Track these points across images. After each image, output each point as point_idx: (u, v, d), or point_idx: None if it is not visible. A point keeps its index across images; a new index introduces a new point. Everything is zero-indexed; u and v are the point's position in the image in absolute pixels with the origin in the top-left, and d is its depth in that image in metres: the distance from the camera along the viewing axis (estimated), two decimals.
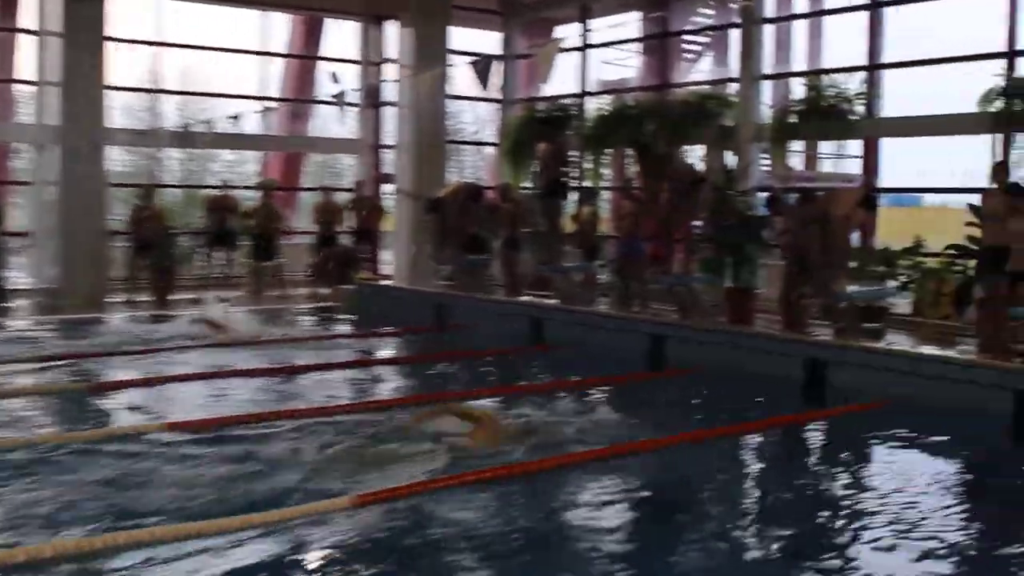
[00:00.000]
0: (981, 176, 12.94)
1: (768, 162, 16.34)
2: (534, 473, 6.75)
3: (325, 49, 22.44)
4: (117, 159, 22.37)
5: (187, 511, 5.84)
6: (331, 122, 22.52)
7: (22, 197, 20.31)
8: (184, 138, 16.43)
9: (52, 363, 10.78)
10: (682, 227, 12.36)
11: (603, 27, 20.16)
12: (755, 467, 7.71)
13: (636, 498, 6.61)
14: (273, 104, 20.97)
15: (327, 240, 18.69)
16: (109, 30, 17.16)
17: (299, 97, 21.61)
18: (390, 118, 20.99)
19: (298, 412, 8.40)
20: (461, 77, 19.25)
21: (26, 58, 18.69)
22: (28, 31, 18.47)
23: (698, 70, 20.20)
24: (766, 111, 16.35)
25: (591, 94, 19.81)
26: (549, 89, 20.09)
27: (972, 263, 12.07)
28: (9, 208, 19.79)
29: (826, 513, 6.35)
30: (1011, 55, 13.64)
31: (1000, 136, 12.96)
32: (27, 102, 19.21)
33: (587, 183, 18.04)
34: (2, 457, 6.91)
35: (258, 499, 6.07)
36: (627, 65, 20.99)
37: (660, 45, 18.96)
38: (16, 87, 19.68)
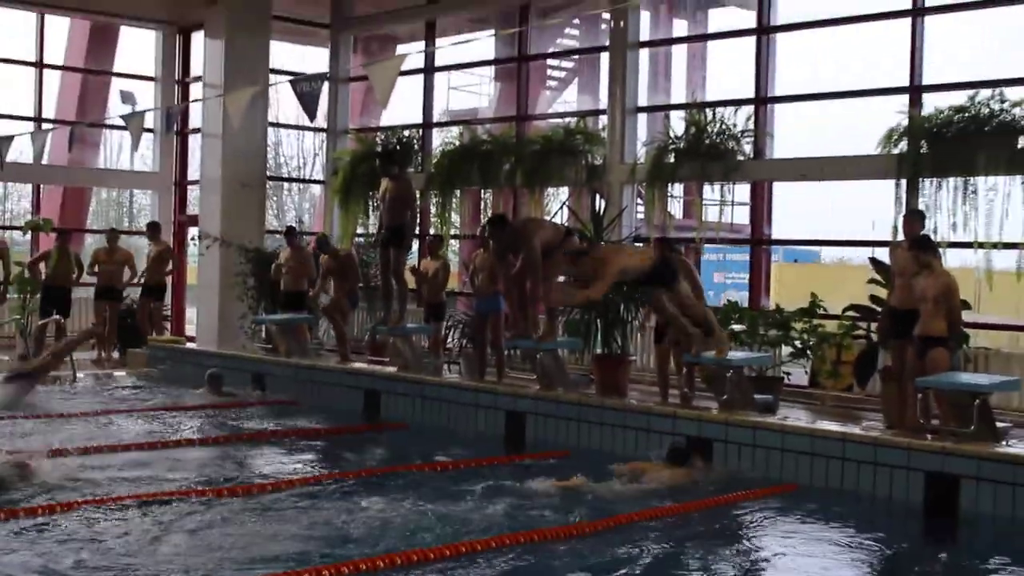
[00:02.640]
0: (886, 227, 13.37)
1: (643, 208, 16.55)
2: None
3: (118, 63, 22.13)
4: None
5: None
6: (124, 151, 22.14)
7: None
8: None
9: None
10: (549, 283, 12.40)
11: (452, 47, 20.31)
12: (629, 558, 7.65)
13: None
14: (50, 127, 20.43)
15: (109, 293, 18.18)
16: None
17: (83, 119, 21.13)
18: (197, 148, 20.68)
19: None
20: (285, 101, 19.14)
21: None
22: None
23: (563, 100, 20.52)
24: (641, 149, 16.59)
25: (437, 125, 19.87)
26: (387, 118, 20.10)
27: (875, 326, 12.38)
28: None
29: None
30: (916, 90, 14.15)
31: (904, 182, 13.42)
32: None
33: (433, 229, 18.05)
34: None
35: None
36: (480, 92, 21.20)
37: (518, 70, 19.11)
38: None
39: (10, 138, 15.14)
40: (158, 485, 8.99)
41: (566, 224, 14.46)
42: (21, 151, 16.72)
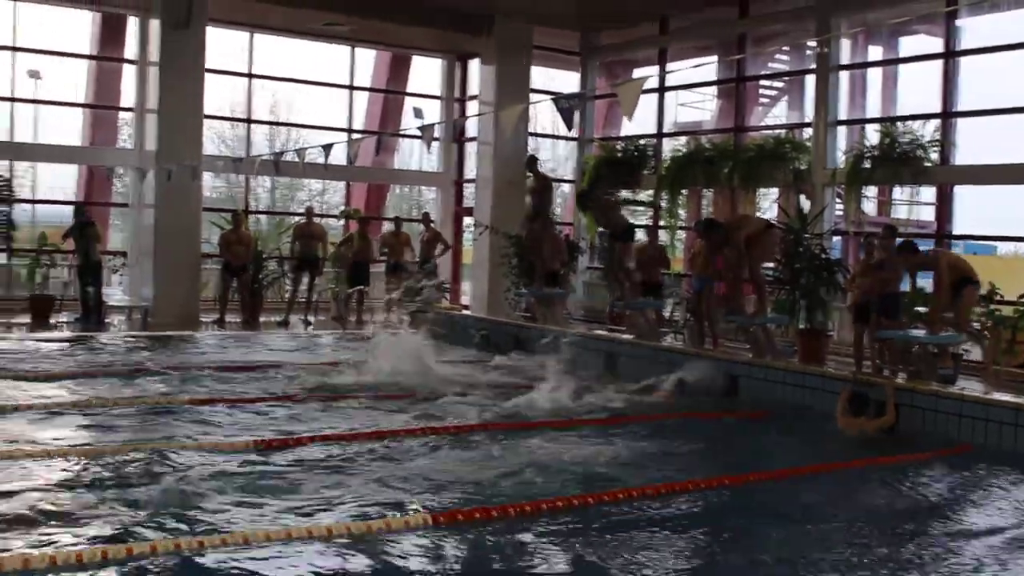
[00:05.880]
0: None
1: (841, 206, 16.20)
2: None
3: (411, 85, 22.76)
4: (210, 185, 22.82)
5: (258, 522, 5.94)
6: (415, 156, 22.79)
7: (121, 219, 20.78)
8: (278, 167, 16.70)
9: (143, 376, 11.01)
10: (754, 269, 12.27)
11: (680, 69, 20.18)
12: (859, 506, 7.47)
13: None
14: (359, 136, 21.21)
15: (396, 270, 18.82)
16: (205, 61, 17.53)
17: (384, 130, 21.88)
18: (472, 153, 21.19)
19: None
20: (541, 115, 19.42)
21: (128, 87, 19.19)
22: (130, 61, 18.95)
23: (773, 114, 20.14)
24: (840, 156, 16.23)
25: (667, 135, 19.81)
26: (626, 129, 20.12)
27: None
28: (109, 229, 20.34)
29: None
30: None
31: None
32: (129, 129, 19.67)
33: (663, 222, 18.06)
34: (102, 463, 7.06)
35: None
36: (703, 108, 20.99)
37: (736, 89, 18.91)
38: (121, 114, 20.18)
39: (330, 146, 15.77)
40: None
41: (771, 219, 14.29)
42: (336, 156, 17.49)
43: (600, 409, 10.19)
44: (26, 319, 16.37)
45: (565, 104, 12.33)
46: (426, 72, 22.91)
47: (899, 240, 12.03)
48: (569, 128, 13.27)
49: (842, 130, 16.80)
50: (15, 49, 18.42)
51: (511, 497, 6.71)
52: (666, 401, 10.77)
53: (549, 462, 7.65)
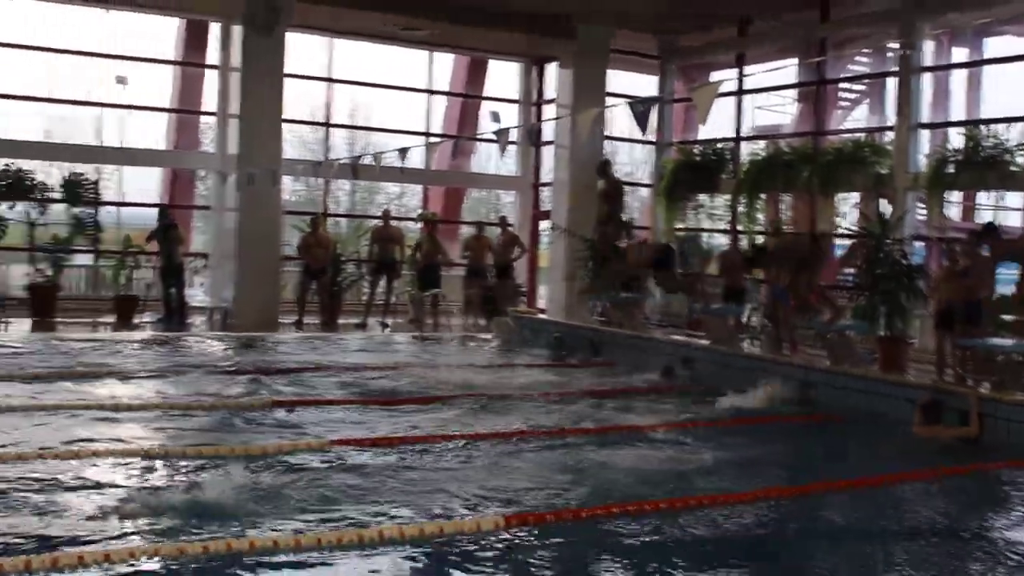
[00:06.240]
0: None
1: (924, 211, 15.98)
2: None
3: (488, 88, 22.89)
4: (290, 189, 23.18)
5: (335, 521, 6.08)
6: (492, 159, 22.90)
7: (203, 221, 21.21)
8: (355, 170, 16.94)
9: (229, 377, 11.28)
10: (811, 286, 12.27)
11: (759, 73, 20.06)
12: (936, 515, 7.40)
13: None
14: (437, 140, 21.41)
15: (476, 273, 18.97)
16: (286, 66, 17.83)
17: (462, 134, 22.05)
18: (549, 157, 21.26)
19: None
20: (618, 119, 19.41)
21: (211, 91, 19.59)
22: (212, 66, 19.35)
23: (854, 117, 19.93)
24: (923, 160, 16.00)
25: (745, 139, 19.69)
26: (704, 133, 20.06)
27: None
28: (192, 231, 20.80)
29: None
30: None
31: None
32: (212, 133, 20.05)
33: (741, 227, 17.96)
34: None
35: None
36: (782, 111, 20.83)
37: (816, 92, 18.73)
38: (204, 118, 20.60)
39: (405, 149, 15.99)
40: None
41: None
42: (412, 159, 17.68)
43: (670, 414, 10.21)
44: (111, 319, 16.81)
45: (640, 108, 12.33)
46: (504, 76, 23.04)
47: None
48: (643, 132, 13.24)
49: (925, 134, 16.53)
50: (103, 56, 18.88)
51: (583, 501, 6.77)
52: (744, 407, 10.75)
53: (621, 466, 7.69)
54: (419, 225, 20.04)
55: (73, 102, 19.22)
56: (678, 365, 12.73)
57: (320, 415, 9.53)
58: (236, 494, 6.48)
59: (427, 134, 21.55)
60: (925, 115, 16.50)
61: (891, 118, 16.95)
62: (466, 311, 18.85)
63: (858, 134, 17.51)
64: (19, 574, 4.98)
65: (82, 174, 17.82)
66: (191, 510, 6.14)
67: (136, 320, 16.84)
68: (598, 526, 6.32)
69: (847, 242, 15.85)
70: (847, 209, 17.59)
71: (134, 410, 9.31)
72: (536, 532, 6.08)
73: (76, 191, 17.36)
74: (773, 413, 10.55)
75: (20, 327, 15.48)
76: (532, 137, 20.44)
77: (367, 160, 16.69)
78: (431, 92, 22.02)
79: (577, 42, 19.39)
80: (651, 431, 9.25)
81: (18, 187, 16.84)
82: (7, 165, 17.08)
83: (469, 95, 22.66)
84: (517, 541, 5.96)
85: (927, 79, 16.59)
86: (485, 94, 22.87)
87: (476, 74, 22.78)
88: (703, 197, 19.64)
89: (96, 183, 18.05)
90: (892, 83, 17.12)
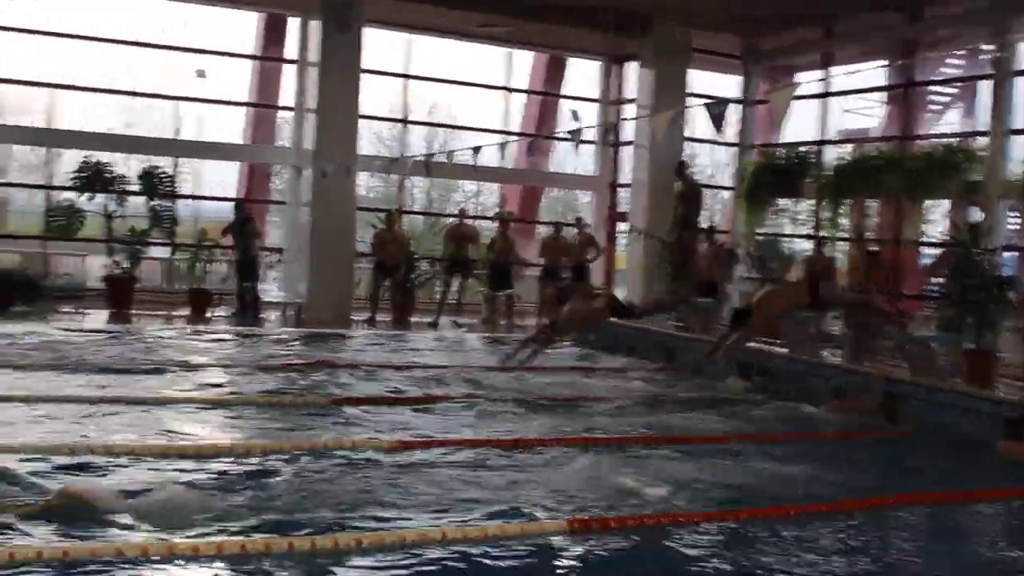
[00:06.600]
0: None
1: (1018, 221, 15.50)
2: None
3: (567, 87, 22.75)
4: (366, 185, 23.28)
5: (394, 522, 6.00)
6: (570, 158, 22.77)
7: (279, 216, 21.37)
8: (429, 168, 16.93)
9: (295, 372, 11.29)
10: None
11: (846, 74, 19.64)
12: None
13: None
14: (514, 138, 21.31)
15: (552, 274, 18.78)
16: (363, 61, 17.86)
17: (540, 133, 21.93)
18: (628, 157, 21.05)
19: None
20: (700, 120, 19.13)
21: (288, 86, 19.73)
22: (291, 61, 19.47)
23: (944, 122, 19.42)
24: (1017, 167, 15.52)
25: (830, 142, 19.30)
26: (788, 135, 19.71)
27: None
28: (267, 226, 20.96)
29: None
30: None
31: None
32: (288, 127, 20.21)
33: (824, 233, 17.60)
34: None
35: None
36: (869, 114, 20.39)
37: (905, 95, 18.30)
38: (280, 113, 20.76)
39: (479, 147, 15.95)
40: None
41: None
42: (488, 158, 17.64)
43: (746, 423, 9.99)
44: (185, 312, 16.98)
45: (716, 109, 12.14)
46: (583, 74, 22.89)
47: None
48: (718, 132, 13.01)
49: (1020, 139, 16.05)
50: (184, 49, 19.11)
51: (654, 507, 6.63)
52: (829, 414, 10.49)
53: (698, 475, 7.52)
54: (495, 224, 19.96)
55: (153, 95, 19.51)
56: (754, 372, 12.48)
57: (389, 414, 9.47)
58: (297, 491, 6.46)
59: (505, 132, 21.47)
60: (1020, 120, 16.00)
61: (984, 123, 16.48)
62: (540, 312, 18.71)
63: (949, 139, 17.03)
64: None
65: (159, 167, 18.03)
66: (255, 507, 6.11)
67: (209, 314, 16.99)
68: (662, 534, 6.17)
69: (935, 251, 15.48)
70: (936, 217, 17.11)
71: (202, 404, 9.33)
72: (599, 538, 5.96)
73: (153, 184, 17.54)
74: (862, 426, 10.27)
75: (97, 318, 15.71)
76: (609, 136, 20.26)
77: (440, 158, 16.67)
78: (509, 90, 21.95)
79: (656, 41, 19.16)
80: (734, 441, 9.07)
81: (97, 179, 17.08)
82: (86, 158, 17.36)
83: (548, 93, 22.53)
84: (581, 546, 5.84)
85: (1021, 83, 16.09)
86: (564, 93, 22.73)
87: (555, 72, 22.66)
88: (785, 201, 19.31)
89: (173, 176, 18.25)
90: (986, 86, 16.64)
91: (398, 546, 5.54)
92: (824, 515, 6.77)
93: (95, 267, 18.24)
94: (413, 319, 17.80)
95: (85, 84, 18.68)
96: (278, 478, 6.83)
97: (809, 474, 7.95)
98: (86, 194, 17.15)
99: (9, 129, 18.74)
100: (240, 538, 5.48)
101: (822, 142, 19.25)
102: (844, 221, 17.84)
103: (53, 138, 18.87)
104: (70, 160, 18.13)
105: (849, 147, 18.79)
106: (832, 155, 18.73)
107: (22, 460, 6.71)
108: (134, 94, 19.24)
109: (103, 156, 17.59)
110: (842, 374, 11.62)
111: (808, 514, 6.76)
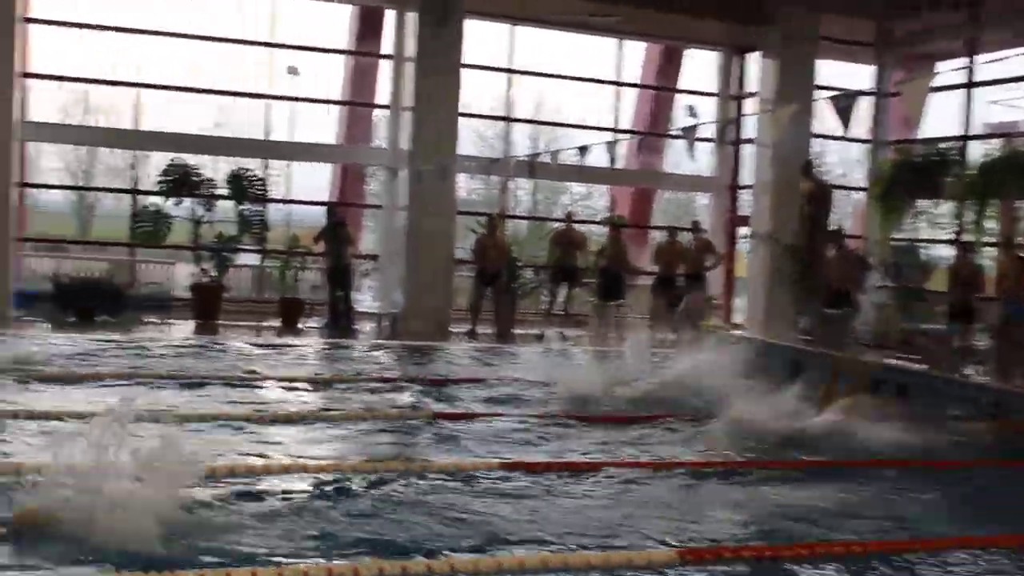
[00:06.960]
0: None
1: None
2: None
3: (682, 80, 22.58)
4: (467, 187, 23.41)
5: (491, 546, 6.08)
6: (686, 158, 22.60)
7: (374, 220, 21.61)
8: (532, 169, 16.95)
9: (391, 387, 11.40)
10: None
11: (992, 62, 19.16)
12: None
13: None
14: (625, 136, 21.22)
15: (666, 283, 18.61)
16: (463, 56, 17.98)
17: (653, 130, 21.81)
18: (749, 156, 20.82)
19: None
20: (829, 114, 18.84)
21: (384, 83, 19.93)
22: (386, 56, 19.66)
23: None
24: None
25: (975, 137, 18.85)
26: (928, 130, 19.31)
27: None
28: (362, 231, 21.20)
29: None
30: None
31: None
32: (384, 127, 20.39)
33: (969, 237, 17.18)
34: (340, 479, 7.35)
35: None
36: (1019, 106, 19.86)
37: None
38: (376, 111, 20.97)
39: (586, 147, 15.93)
40: None
41: None
42: (596, 158, 17.56)
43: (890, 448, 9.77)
44: (275, 323, 17.23)
45: (844, 102, 11.95)
46: (701, 66, 22.71)
47: None
48: (845, 128, 12.76)
49: None
50: (274, 45, 19.44)
51: (768, 537, 6.56)
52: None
53: (818, 503, 7.41)
54: (605, 229, 19.88)
55: (242, 94, 19.72)
56: (891, 390, 12.21)
57: (488, 431, 9.50)
58: (389, 513, 6.56)
59: (615, 130, 21.39)
60: None
61: None
62: (652, 324, 18.57)
63: None
64: None
65: (249, 169, 18.35)
66: (346, 528, 6.23)
67: (301, 325, 17.22)
68: (778, 566, 6.11)
69: None
70: None
71: (292, 421, 9.49)
72: (712, 569, 5.91)
73: (242, 187, 17.83)
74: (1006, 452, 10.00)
75: (183, 329, 16.05)
76: (726, 134, 20.06)
77: (544, 158, 16.69)
78: (620, 84, 21.86)
79: (781, 28, 18.93)
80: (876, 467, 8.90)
81: (185, 183, 17.43)
82: (173, 160, 17.72)
83: (662, 87, 22.39)
84: None
85: None
86: (680, 87, 22.56)
87: (670, 64, 22.50)
88: (924, 203, 18.91)
89: (263, 179, 18.54)
90: None
91: (493, 571, 5.60)
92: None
93: (183, 276, 18.65)
94: (517, 331, 17.80)
95: (172, 83, 19.08)
96: (371, 498, 6.92)
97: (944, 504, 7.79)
98: (173, 199, 17.52)
99: (95, 130, 19.27)
100: (344, 562, 5.58)
101: (966, 137, 18.82)
102: (991, 224, 17.41)
103: (139, 140, 19.35)
104: (157, 163, 18.53)
105: (996, 142, 18.32)
106: (977, 151, 18.31)
107: None
108: (223, 93, 19.58)
109: (190, 158, 17.96)
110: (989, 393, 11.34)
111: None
